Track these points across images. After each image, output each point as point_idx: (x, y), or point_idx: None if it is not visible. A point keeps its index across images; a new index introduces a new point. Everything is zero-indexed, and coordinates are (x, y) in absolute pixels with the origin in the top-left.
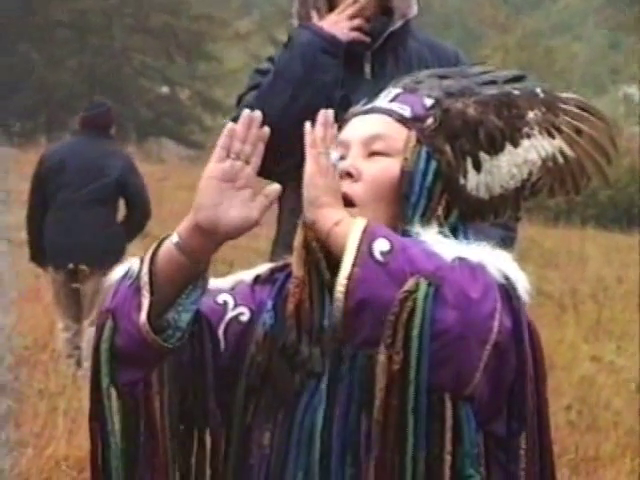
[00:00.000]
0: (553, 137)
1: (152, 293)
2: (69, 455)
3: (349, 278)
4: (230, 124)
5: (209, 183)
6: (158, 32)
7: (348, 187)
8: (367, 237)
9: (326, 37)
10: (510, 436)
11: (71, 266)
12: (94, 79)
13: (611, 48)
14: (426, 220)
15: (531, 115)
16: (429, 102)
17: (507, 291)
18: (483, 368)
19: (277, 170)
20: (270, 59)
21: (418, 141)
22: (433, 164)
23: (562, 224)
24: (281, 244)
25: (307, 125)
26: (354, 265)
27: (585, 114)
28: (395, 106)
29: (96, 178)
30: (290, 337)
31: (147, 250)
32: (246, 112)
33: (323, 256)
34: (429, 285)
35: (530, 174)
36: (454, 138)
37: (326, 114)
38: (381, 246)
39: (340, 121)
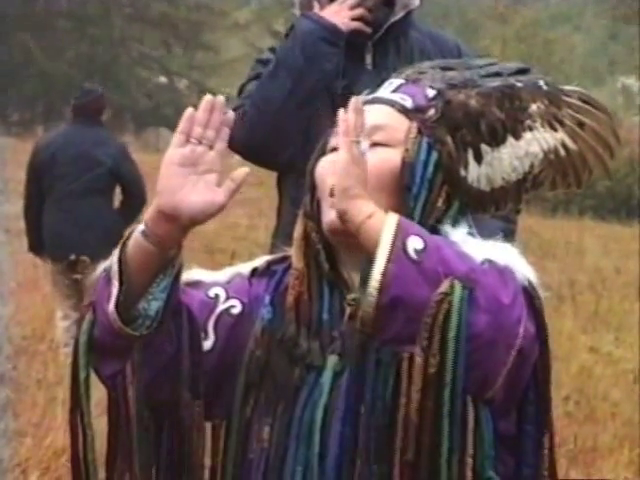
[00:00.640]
0: (555, 130)
1: (122, 282)
2: (68, 445)
3: (383, 274)
4: (190, 109)
5: (168, 168)
6: (156, 22)
7: None
8: (401, 233)
9: (327, 26)
10: (524, 437)
11: (72, 257)
12: (92, 69)
13: (610, 39)
14: (427, 211)
15: (534, 107)
16: (431, 93)
17: (530, 294)
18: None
19: (278, 160)
20: (272, 49)
21: (419, 132)
22: (434, 155)
23: (560, 215)
24: (281, 235)
25: (340, 112)
26: (388, 261)
27: (588, 107)
28: (397, 97)
29: (90, 168)
30: (289, 330)
31: None
32: (207, 97)
33: (322, 247)
34: (464, 288)
35: (532, 166)
36: (455, 129)
37: (357, 101)
38: (415, 244)
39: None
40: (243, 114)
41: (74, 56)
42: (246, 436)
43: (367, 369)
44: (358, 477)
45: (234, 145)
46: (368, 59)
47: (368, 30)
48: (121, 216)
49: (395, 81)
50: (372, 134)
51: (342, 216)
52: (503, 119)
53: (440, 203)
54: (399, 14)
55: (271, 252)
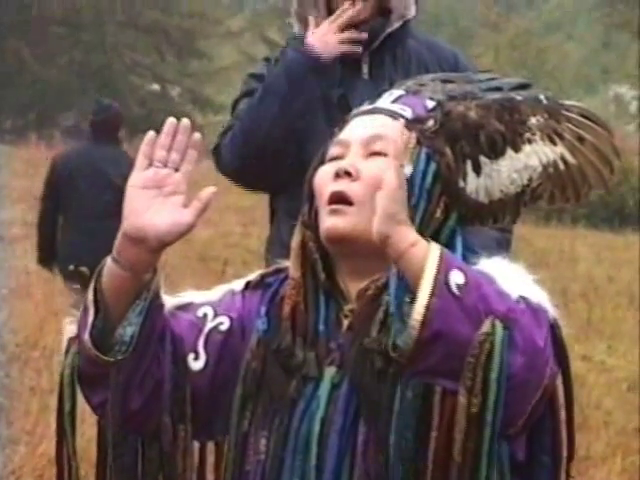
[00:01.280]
0: (555, 143)
1: (97, 310)
2: None
3: (427, 308)
4: (151, 133)
5: (131, 192)
6: (149, 29)
7: (347, 186)
8: (444, 266)
9: (312, 57)
10: (538, 467)
11: (71, 268)
12: (85, 76)
13: (603, 48)
14: (425, 222)
15: (533, 121)
16: (431, 104)
17: (555, 331)
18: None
19: (269, 184)
20: (267, 59)
21: (418, 142)
22: (433, 166)
23: (553, 223)
24: (277, 243)
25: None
26: (432, 295)
27: (588, 122)
28: (397, 107)
29: (107, 189)
30: (285, 340)
31: None
32: (170, 120)
33: (319, 257)
34: (504, 328)
35: (530, 180)
36: (454, 140)
37: (403, 124)
38: (457, 278)
39: (339, 121)
40: (233, 138)
41: (67, 63)
42: (243, 448)
43: (366, 382)
44: None
45: (224, 169)
46: (365, 69)
47: (358, 50)
48: None
49: (395, 92)
50: (371, 144)
51: (384, 240)
52: (502, 131)
53: (438, 214)
54: (395, 24)
55: (267, 260)
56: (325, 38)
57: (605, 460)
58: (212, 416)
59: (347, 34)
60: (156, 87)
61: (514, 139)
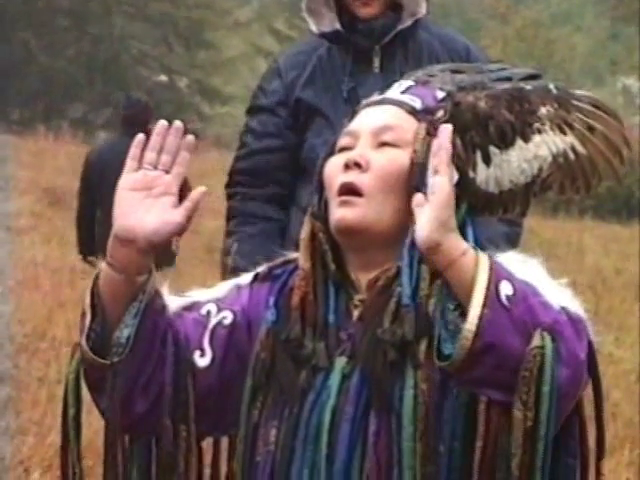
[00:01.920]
0: (565, 133)
1: (95, 314)
2: None
3: (480, 318)
4: (140, 135)
5: (120, 194)
6: (157, 20)
7: (356, 177)
8: (494, 277)
9: None
10: (565, 469)
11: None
12: (93, 67)
13: (610, 39)
14: None
15: (543, 111)
16: (440, 95)
17: (590, 342)
18: None
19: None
20: (275, 60)
21: (428, 133)
22: None
23: (561, 215)
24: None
25: (442, 140)
26: (484, 306)
27: (598, 112)
28: (406, 98)
29: None
30: (294, 330)
31: None
32: (161, 122)
33: (329, 248)
34: (552, 340)
35: (540, 170)
36: (464, 131)
37: (448, 129)
38: (506, 289)
39: (349, 113)
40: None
41: (75, 54)
42: (253, 439)
43: (379, 372)
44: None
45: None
46: (376, 62)
47: None
48: None
49: (405, 82)
50: (380, 134)
51: (434, 247)
52: (512, 121)
53: None
54: (407, 22)
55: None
56: None
57: (613, 452)
58: (223, 411)
59: None
60: (164, 78)
61: (524, 129)
